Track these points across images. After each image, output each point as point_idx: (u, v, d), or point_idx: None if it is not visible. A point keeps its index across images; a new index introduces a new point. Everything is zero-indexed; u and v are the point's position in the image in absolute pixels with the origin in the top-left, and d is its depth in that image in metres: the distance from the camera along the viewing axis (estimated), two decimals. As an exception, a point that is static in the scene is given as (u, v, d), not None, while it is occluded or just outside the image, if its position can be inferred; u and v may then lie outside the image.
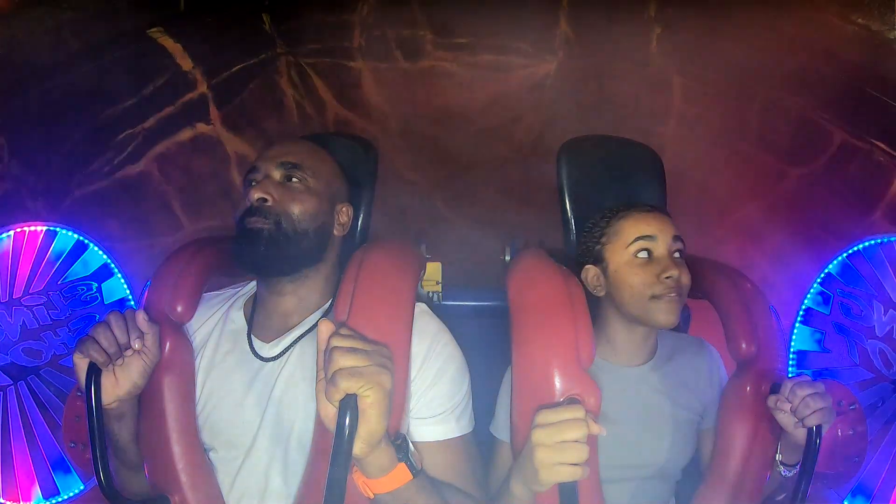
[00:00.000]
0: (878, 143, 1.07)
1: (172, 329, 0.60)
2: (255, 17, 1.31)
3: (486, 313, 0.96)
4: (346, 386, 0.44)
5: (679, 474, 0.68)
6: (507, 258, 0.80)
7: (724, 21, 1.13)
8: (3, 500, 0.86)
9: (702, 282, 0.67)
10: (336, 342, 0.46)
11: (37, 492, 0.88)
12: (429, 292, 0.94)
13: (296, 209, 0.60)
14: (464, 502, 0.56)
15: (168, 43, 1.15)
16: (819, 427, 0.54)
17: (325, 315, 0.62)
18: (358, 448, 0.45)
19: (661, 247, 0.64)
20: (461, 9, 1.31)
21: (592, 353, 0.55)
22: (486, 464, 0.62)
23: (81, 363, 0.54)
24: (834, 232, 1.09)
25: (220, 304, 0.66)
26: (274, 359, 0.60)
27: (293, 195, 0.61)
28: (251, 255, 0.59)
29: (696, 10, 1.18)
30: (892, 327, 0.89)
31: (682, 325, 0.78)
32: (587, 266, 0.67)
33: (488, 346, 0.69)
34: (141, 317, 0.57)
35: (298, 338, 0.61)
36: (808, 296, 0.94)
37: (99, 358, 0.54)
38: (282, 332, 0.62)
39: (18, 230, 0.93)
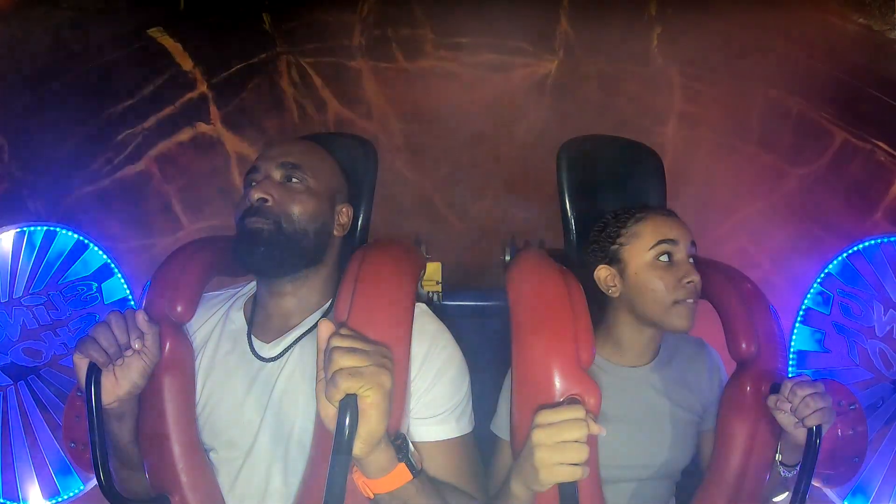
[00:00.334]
0: (879, 143, 1.06)
1: (172, 329, 0.60)
2: (256, 16, 1.31)
3: (486, 313, 0.96)
4: (346, 386, 0.44)
5: (679, 474, 0.68)
6: (507, 258, 0.80)
7: (724, 20, 1.13)
8: (3, 500, 0.86)
9: (702, 282, 0.67)
10: (336, 342, 0.46)
11: (37, 492, 0.88)
12: (429, 292, 0.94)
13: (296, 209, 0.60)
14: (464, 502, 0.56)
15: (168, 42, 1.15)
16: (819, 427, 0.55)
17: (325, 315, 0.62)
18: (358, 448, 0.45)
19: (681, 251, 0.64)
20: (462, 8, 1.31)
21: (593, 353, 0.55)
22: (486, 464, 0.63)
23: (81, 363, 0.54)
24: (835, 232, 1.09)
25: (220, 305, 0.66)
26: (274, 359, 0.60)
27: (293, 195, 0.61)
28: (251, 255, 0.59)
29: (696, 10, 1.18)
30: (892, 327, 0.89)
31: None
32: (601, 266, 0.67)
33: (488, 346, 0.69)
34: (141, 317, 0.57)
35: (298, 338, 0.61)
36: (809, 296, 0.94)
37: (99, 358, 0.54)
38: (282, 332, 0.62)
39: (18, 230, 0.93)
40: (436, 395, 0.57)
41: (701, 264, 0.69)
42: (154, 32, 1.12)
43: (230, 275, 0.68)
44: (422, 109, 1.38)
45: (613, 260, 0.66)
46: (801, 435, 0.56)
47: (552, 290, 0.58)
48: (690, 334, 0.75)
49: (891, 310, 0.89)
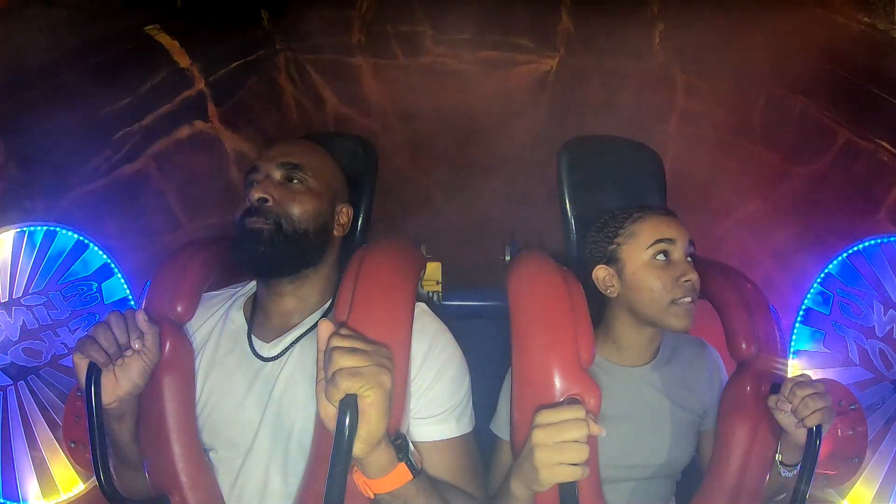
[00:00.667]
0: (883, 142, 1.06)
1: (172, 329, 0.60)
2: (254, 13, 1.29)
3: (486, 313, 0.96)
4: (346, 386, 0.44)
5: (679, 474, 0.68)
6: (507, 258, 0.80)
7: (727, 18, 1.11)
8: (3, 500, 0.86)
9: (702, 282, 0.67)
10: (336, 342, 0.46)
11: (37, 492, 0.88)
12: (429, 292, 0.94)
13: (296, 210, 0.60)
14: (464, 502, 0.56)
15: (165, 40, 1.14)
16: (819, 427, 0.55)
17: (325, 315, 0.62)
18: (358, 448, 0.45)
19: (679, 250, 0.64)
20: (461, 4, 1.29)
21: (593, 353, 0.55)
22: (486, 463, 0.63)
23: (81, 363, 0.54)
24: (837, 231, 1.08)
25: (220, 304, 0.66)
26: (274, 358, 0.60)
27: (293, 196, 0.61)
28: (251, 255, 0.58)
29: (699, 7, 1.16)
30: (892, 327, 0.88)
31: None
32: (599, 266, 0.67)
33: (488, 346, 0.69)
34: (141, 317, 0.57)
35: (299, 337, 0.61)
36: (809, 296, 0.94)
37: (99, 358, 0.54)
38: (282, 331, 0.62)
39: (18, 230, 0.92)
40: (436, 394, 0.57)
41: (701, 264, 0.68)
42: (151, 30, 1.11)
43: (230, 275, 0.68)
44: (421, 107, 1.37)
45: (611, 260, 0.66)
46: (801, 435, 0.57)
47: (552, 291, 0.58)
48: (691, 334, 0.75)
49: (891, 310, 0.88)
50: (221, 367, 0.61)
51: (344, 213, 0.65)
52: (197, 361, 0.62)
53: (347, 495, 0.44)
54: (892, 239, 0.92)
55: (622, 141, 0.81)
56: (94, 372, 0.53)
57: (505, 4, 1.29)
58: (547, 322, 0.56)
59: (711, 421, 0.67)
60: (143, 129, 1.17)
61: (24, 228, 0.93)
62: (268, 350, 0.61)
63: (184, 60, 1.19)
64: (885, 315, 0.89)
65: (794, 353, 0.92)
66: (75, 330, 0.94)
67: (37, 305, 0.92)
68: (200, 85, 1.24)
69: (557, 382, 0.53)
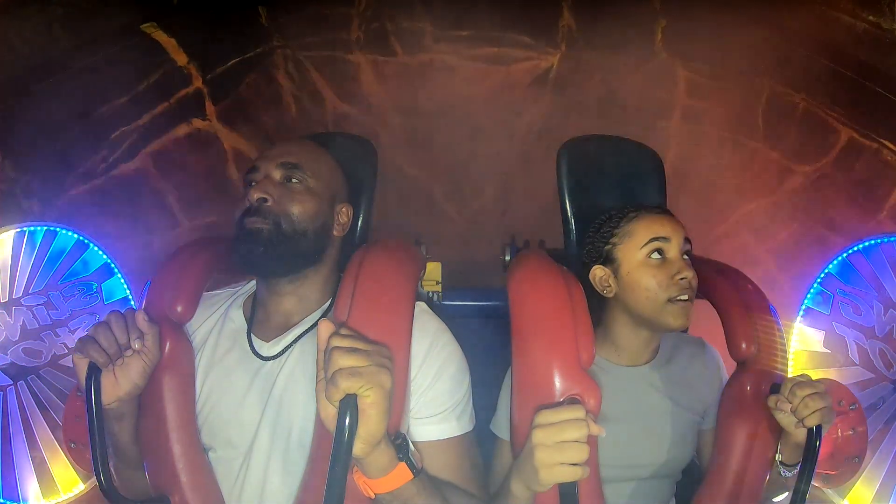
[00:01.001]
0: (886, 141, 1.05)
1: (172, 329, 0.60)
2: (251, 9, 1.28)
3: (486, 313, 0.96)
4: (346, 386, 0.44)
5: (679, 474, 0.68)
6: (507, 258, 0.79)
7: (730, 15, 1.10)
8: (3, 500, 0.87)
9: (702, 282, 0.67)
10: (336, 342, 0.46)
11: (37, 492, 0.88)
12: (429, 292, 0.94)
13: (295, 209, 0.60)
14: (464, 502, 0.56)
15: (162, 38, 1.13)
16: (819, 427, 0.55)
17: (324, 315, 0.62)
18: (358, 448, 0.45)
19: (674, 248, 0.63)
20: (461, 0, 1.28)
21: (593, 353, 0.55)
22: (486, 463, 0.63)
23: (81, 363, 0.54)
24: (839, 230, 1.08)
25: (220, 303, 0.66)
26: (274, 358, 0.60)
27: (293, 195, 0.60)
28: (251, 255, 0.58)
29: (702, 3, 1.15)
30: (892, 327, 0.89)
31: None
32: (595, 267, 0.66)
33: (488, 346, 0.69)
34: (141, 317, 0.56)
35: (298, 337, 0.60)
36: (809, 295, 0.94)
37: (99, 358, 0.54)
38: (282, 330, 0.61)
39: (18, 230, 0.92)
40: (436, 393, 0.57)
41: (701, 264, 0.68)
42: (147, 27, 1.10)
43: (230, 275, 0.68)
44: (421, 104, 1.36)
45: (607, 260, 0.66)
46: (801, 435, 0.57)
47: (552, 291, 0.58)
48: (691, 334, 0.75)
49: (891, 310, 0.89)
50: (221, 367, 0.61)
51: (344, 213, 0.65)
52: (196, 360, 0.62)
53: (347, 495, 0.44)
54: (892, 239, 0.92)
55: (622, 140, 0.81)
56: (94, 372, 0.53)
57: (505, 0, 1.28)
58: (547, 322, 0.56)
59: (711, 420, 0.67)
60: (140, 127, 1.16)
61: (24, 228, 0.93)
62: (267, 349, 0.61)
63: (181, 58, 1.18)
64: (885, 315, 0.89)
65: (793, 352, 0.92)
66: (75, 330, 0.94)
67: (37, 305, 0.92)
68: (198, 83, 1.24)
69: (557, 382, 0.53)
